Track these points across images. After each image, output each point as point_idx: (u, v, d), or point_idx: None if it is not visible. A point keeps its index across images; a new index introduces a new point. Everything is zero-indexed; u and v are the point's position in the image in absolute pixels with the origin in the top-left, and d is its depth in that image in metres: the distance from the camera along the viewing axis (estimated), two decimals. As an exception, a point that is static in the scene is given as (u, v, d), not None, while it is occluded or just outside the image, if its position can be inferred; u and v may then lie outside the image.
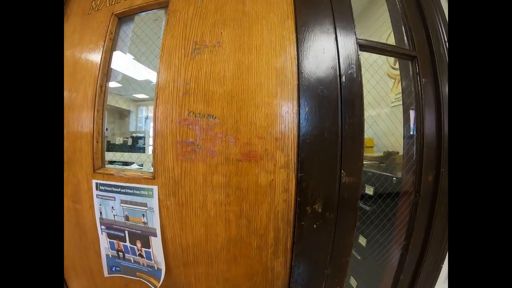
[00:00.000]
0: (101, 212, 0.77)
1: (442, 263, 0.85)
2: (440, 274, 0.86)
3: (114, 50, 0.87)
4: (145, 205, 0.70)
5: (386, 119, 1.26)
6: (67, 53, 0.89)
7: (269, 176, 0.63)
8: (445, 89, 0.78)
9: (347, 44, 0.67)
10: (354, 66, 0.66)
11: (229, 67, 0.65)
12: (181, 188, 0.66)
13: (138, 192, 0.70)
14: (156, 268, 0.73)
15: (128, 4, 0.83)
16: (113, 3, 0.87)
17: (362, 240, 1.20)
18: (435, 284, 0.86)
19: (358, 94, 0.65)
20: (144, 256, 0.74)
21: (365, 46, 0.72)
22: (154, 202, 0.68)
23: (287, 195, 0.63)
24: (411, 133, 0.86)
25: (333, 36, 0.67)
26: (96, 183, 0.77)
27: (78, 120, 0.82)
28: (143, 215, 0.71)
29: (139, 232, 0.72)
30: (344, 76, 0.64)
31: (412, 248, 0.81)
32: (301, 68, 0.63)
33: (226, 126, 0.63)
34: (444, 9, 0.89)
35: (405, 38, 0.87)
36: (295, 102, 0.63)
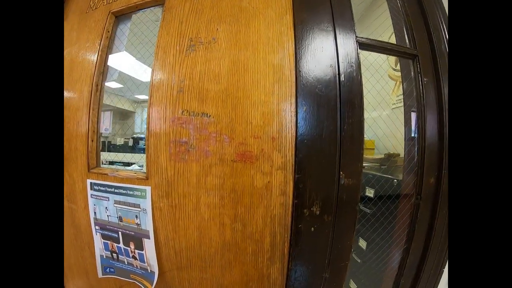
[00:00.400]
0: (95, 212, 0.76)
1: (444, 267, 0.83)
2: (442, 279, 0.84)
3: (111, 48, 0.86)
4: (138, 206, 0.68)
5: (387, 121, 1.24)
6: (65, 52, 0.88)
7: (265, 178, 0.61)
8: (446, 89, 0.76)
9: (347, 42, 0.65)
10: (354, 65, 0.64)
11: (225, 64, 0.63)
12: (174, 190, 0.64)
13: (131, 192, 0.69)
14: (149, 271, 0.72)
15: (125, 2, 0.82)
16: (110, 2, 0.86)
17: (362, 243, 1.18)
18: (436, 289, 0.84)
19: (357, 93, 0.63)
20: (138, 258, 0.72)
21: (365, 45, 0.70)
22: (147, 203, 0.67)
23: (284, 198, 0.60)
24: (412, 134, 0.84)
25: (332, 34, 0.65)
26: (91, 183, 0.75)
27: (73, 118, 0.81)
28: (136, 217, 0.69)
29: (133, 233, 0.71)
30: (343, 75, 0.62)
31: (413, 251, 0.79)
32: (299, 65, 0.61)
33: (221, 125, 0.61)
34: (445, 7, 0.87)
35: (406, 37, 0.85)
36: (293, 101, 0.60)
